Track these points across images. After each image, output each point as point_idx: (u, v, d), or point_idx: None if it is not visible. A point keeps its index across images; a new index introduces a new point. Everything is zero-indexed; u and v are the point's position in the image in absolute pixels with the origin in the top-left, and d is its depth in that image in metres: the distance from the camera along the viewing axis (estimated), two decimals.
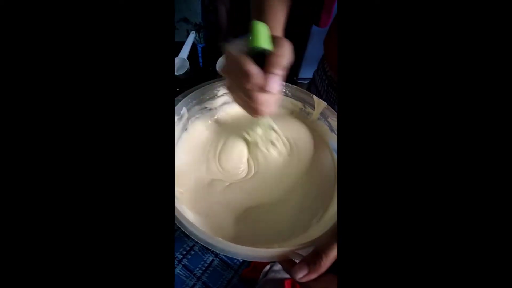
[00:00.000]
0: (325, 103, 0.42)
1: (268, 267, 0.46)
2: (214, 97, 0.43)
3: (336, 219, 0.33)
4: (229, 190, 0.38)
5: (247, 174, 0.40)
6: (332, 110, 0.41)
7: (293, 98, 0.44)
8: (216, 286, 0.46)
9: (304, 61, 1.58)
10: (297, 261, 0.28)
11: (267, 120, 0.39)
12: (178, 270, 0.47)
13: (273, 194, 0.38)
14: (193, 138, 0.41)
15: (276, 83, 0.29)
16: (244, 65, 0.28)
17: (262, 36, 0.29)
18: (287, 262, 0.29)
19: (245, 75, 0.28)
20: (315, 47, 1.44)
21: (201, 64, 0.83)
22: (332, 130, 0.42)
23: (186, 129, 0.41)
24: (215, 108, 0.44)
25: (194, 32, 0.85)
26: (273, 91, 0.29)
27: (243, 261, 0.48)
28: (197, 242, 0.33)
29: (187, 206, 0.35)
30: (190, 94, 0.40)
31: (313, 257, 0.27)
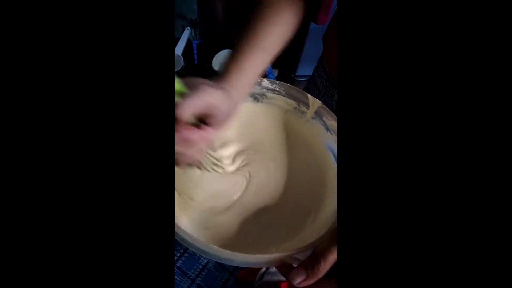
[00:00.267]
0: (320, 102, 0.41)
1: (264, 269, 0.45)
2: None
3: (333, 219, 0.32)
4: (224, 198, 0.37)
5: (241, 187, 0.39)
6: (327, 109, 0.40)
7: (287, 97, 0.43)
8: None
9: (302, 59, 1.58)
10: (294, 265, 0.27)
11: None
12: None
13: (266, 198, 0.37)
14: None
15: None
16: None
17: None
18: (285, 267, 0.28)
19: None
20: (314, 45, 1.44)
21: (196, 61, 0.82)
22: (327, 129, 0.41)
23: None
24: None
25: (189, 28, 0.84)
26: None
27: None
28: None
29: (180, 211, 0.35)
30: None
31: (311, 262, 0.26)
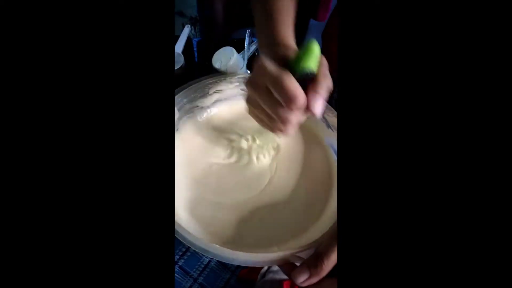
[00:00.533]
0: None
1: (266, 267, 0.45)
2: (206, 95, 0.41)
3: (336, 218, 0.32)
4: (225, 194, 0.37)
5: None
6: (329, 106, 0.40)
7: None
8: (213, 287, 0.45)
9: None
10: (297, 263, 0.27)
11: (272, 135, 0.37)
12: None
13: (274, 196, 0.37)
14: (185, 140, 0.40)
15: (321, 105, 0.27)
16: (290, 85, 0.25)
17: (315, 58, 0.26)
18: (287, 265, 0.28)
19: (291, 97, 0.25)
20: None
21: (196, 58, 0.82)
22: (328, 126, 0.40)
23: (177, 129, 0.40)
24: (207, 107, 0.42)
25: (189, 25, 0.83)
26: (317, 114, 0.27)
27: None
28: None
29: (182, 208, 0.34)
30: (180, 93, 0.38)
31: (314, 260, 0.26)
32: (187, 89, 0.39)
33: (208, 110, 0.43)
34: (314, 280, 0.26)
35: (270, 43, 0.33)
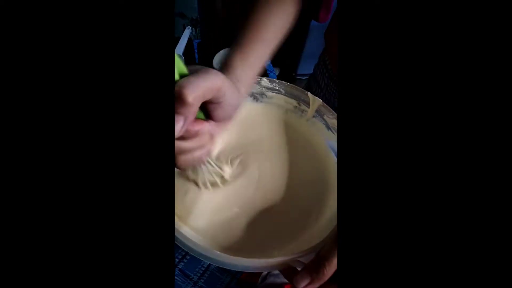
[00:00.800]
0: (321, 100, 0.40)
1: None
2: None
3: (336, 220, 0.32)
4: (224, 200, 0.36)
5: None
6: (328, 107, 0.40)
7: (287, 96, 0.42)
8: None
9: (303, 57, 1.56)
10: (298, 268, 0.27)
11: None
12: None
13: (268, 200, 0.37)
14: None
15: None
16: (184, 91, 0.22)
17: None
18: (288, 270, 0.27)
19: (177, 96, 0.23)
20: (314, 43, 1.43)
21: (197, 60, 0.82)
22: (328, 128, 0.40)
23: None
24: None
25: (190, 27, 0.83)
26: None
27: None
28: None
29: (181, 219, 0.34)
30: None
31: (315, 265, 0.26)
32: None
33: None
34: (316, 285, 0.25)
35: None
